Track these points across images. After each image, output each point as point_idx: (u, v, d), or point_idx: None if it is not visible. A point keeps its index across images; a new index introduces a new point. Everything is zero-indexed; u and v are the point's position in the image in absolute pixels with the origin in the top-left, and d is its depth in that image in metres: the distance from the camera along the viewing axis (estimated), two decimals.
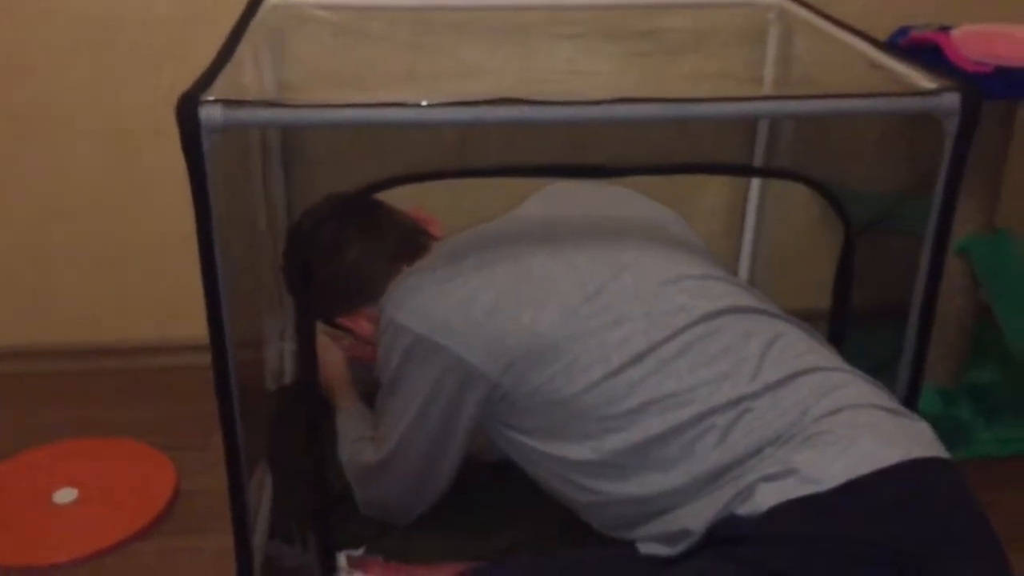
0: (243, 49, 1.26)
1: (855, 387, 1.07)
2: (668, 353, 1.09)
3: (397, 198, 1.32)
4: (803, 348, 1.12)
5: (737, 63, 1.77)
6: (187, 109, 0.99)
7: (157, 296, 1.93)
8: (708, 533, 1.01)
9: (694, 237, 1.31)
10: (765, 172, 1.92)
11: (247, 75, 1.36)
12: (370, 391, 1.34)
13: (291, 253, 1.32)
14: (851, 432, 1.00)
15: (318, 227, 1.27)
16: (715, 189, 1.95)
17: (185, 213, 1.05)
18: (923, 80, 1.19)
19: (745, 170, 1.91)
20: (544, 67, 1.77)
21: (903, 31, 1.70)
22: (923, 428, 1.05)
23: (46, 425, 1.76)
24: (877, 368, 1.16)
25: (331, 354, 1.47)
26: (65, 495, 1.58)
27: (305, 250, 1.23)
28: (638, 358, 1.09)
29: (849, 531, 0.94)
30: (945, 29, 1.62)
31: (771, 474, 0.99)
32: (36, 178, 1.82)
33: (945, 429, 1.07)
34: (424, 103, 1.04)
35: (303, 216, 1.35)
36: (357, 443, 1.35)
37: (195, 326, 1.23)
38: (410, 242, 1.29)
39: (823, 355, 1.12)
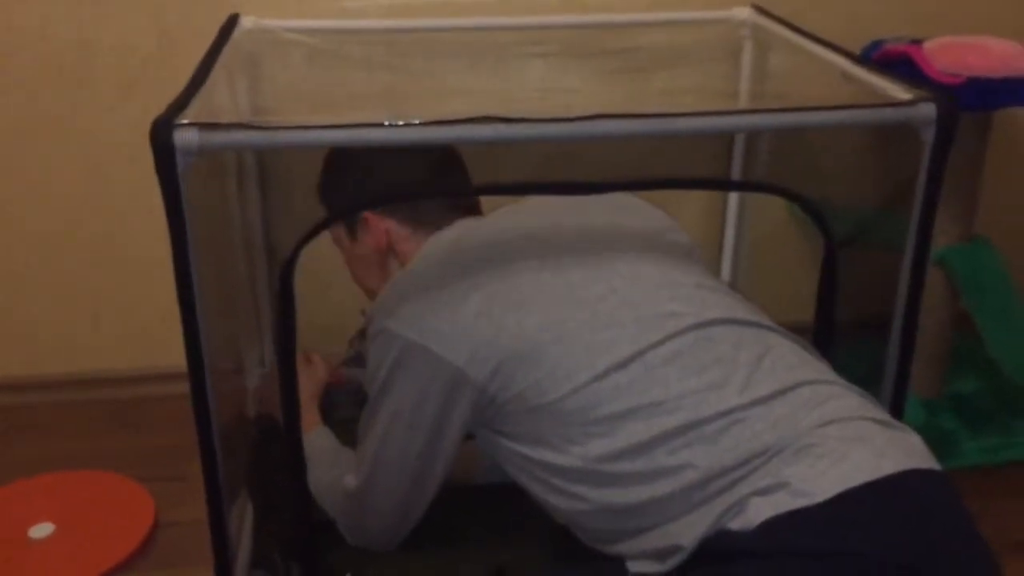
0: (217, 73, 1.25)
1: (845, 399, 1.07)
2: (656, 359, 1.08)
3: None
4: (794, 361, 1.11)
5: (712, 79, 1.78)
6: (161, 133, 0.98)
7: (133, 325, 1.90)
8: (700, 548, 1.00)
9: (690, 245, 1.30)
10: (749, 186, 1.92)
11: (221, 99, 1.35)
12: (352, 416, 1.32)
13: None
14: (842, 445, 0.99)
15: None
16: (693, 202, 1.96)
17: (160, 240, 1.04)
18: (898, 91, 1.20)
19: (728, 184, 1.91)
20: (520, 86, 1.77)
21: (876, 44, 1.71)
22: (914, 439, 1.04)
23: (20, 459, 1.73)
24: (860, 381, 1.15)
25: (303, 375, 1.46)
26: (41, 530, 1.55)
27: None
28: (625, 363, 1.07)
29: (842, 544, 0.94)
30: (917, 42, 1.64)
31: (762, 488, 0.98)
32: (9, 207, 1.80)
33: (929, 439, 1.06)
34: (401, 123, 1.04)
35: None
36: (334, 468, 1.33)
37: (171, 354, 1.22)
38: (469, 199, 1.32)
39: (814, 368, 1.12)
